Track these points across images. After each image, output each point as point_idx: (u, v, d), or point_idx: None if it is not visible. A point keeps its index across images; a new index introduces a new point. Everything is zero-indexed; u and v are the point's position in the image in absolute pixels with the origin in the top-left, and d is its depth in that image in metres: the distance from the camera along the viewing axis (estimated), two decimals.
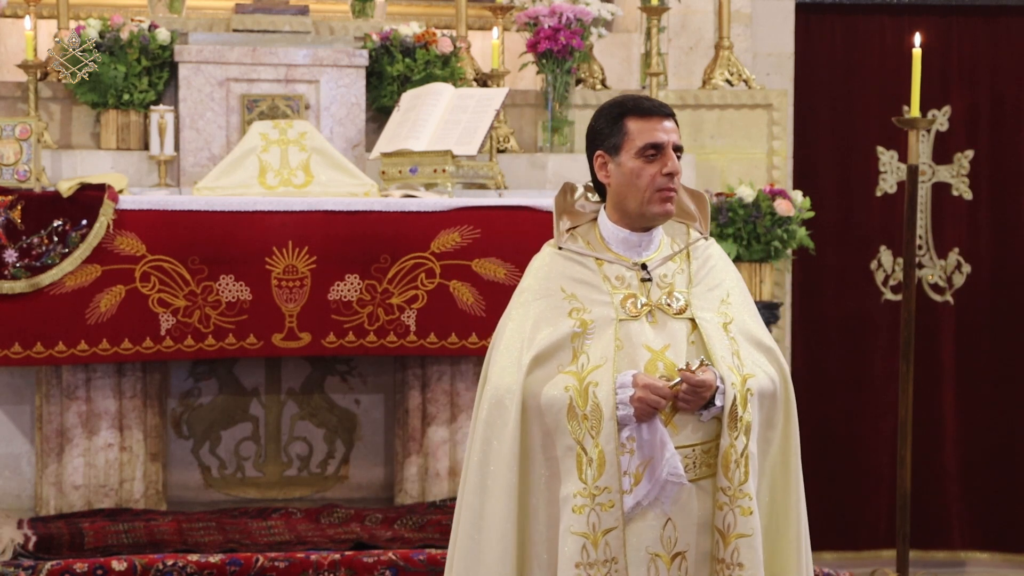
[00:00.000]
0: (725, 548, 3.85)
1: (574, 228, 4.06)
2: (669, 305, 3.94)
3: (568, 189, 4.10)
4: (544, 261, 4.04)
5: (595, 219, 4.06)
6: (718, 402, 3.85)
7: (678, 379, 3.81)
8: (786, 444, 4.00)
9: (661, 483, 3.83)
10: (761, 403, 3.91)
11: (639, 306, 3.93)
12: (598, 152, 4.01)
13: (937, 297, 8.06)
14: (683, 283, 3.98)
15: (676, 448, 3.84)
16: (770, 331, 7.37)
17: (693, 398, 3.83)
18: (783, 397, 3.98)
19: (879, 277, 8.04)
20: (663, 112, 3.95)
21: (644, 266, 3.98)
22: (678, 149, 3.95)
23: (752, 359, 3.93)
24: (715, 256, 4.07)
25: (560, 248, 4.03)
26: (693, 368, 3.81)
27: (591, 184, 4.09)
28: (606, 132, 4.00)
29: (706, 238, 4.09)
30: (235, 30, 6.93)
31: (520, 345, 3.92)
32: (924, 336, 7.82)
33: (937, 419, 8.02)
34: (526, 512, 3.89)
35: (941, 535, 8.03)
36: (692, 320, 3.93)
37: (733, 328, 3.95)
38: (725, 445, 3.84)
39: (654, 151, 3.92)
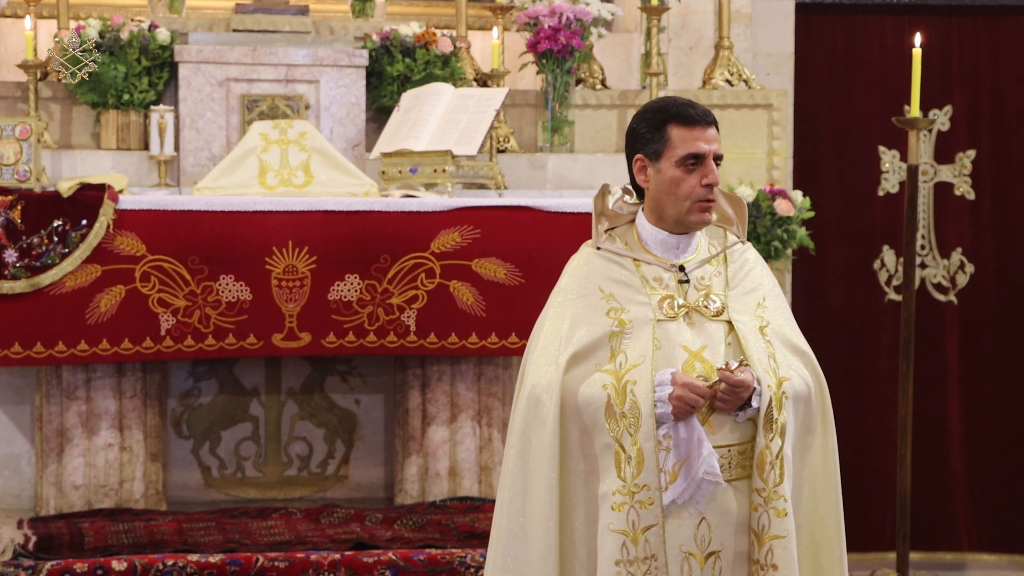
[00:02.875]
0: (760, 549, 3.88)
1: (612, 229, 4.07)
2: (706, 307, 3.97)
3: (606, 190, 4.11)
4: (582, 261, 4.07)
5: (633, 220, 4.07)
6: (754, 403, 3.87)
7: (717, 378, 3.84)
8: (825, 450, 4.05)
9: (697, 481, 3.86)
10: (796, 406, 3.94)
11: (676, 307, 3.95)
12: (638, 156, 4.00)
13: (940, 297, 8.06)
14: (720, 286, 4.01)
15: (712, 448, 3.87)
16: None
17: (731, 398, 3.85)
18: (819, 402, 4.02)
19: (882, 277, 8.03)
20: (706, 121, 3.95)
21: (682, 268, 4.00)
22: (718, 158, 3.96)
23: (787, 362, 3.96)
24: (752, 260, 4.11)
25: (598, 248, 4.05)
26: (733, 368, 3.83)
27: (629, 186, 4.09)
28: (647, 137, 3.98)
29: (743, 242, 4.11)
30: (235, 30, 6.93)
31: (558, 344, 3.95)
32: (928, 336, 7.81)
33: (942, 420, 8.01)
34: (565, 509, 3.91)
35: (947, 536, 8.02)
36: (729, 322, 3.96)
37: (769, 331, 3.99)
38: (760, 446, 3.87)
39: (695, 161, 3.93)
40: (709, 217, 3.98)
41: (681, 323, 3.94)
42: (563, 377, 3.90)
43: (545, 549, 3.88)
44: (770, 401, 3.86)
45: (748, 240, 4.19)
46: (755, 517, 3.89)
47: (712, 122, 3.96)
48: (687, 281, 3.99)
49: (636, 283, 3.98)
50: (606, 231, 4.06)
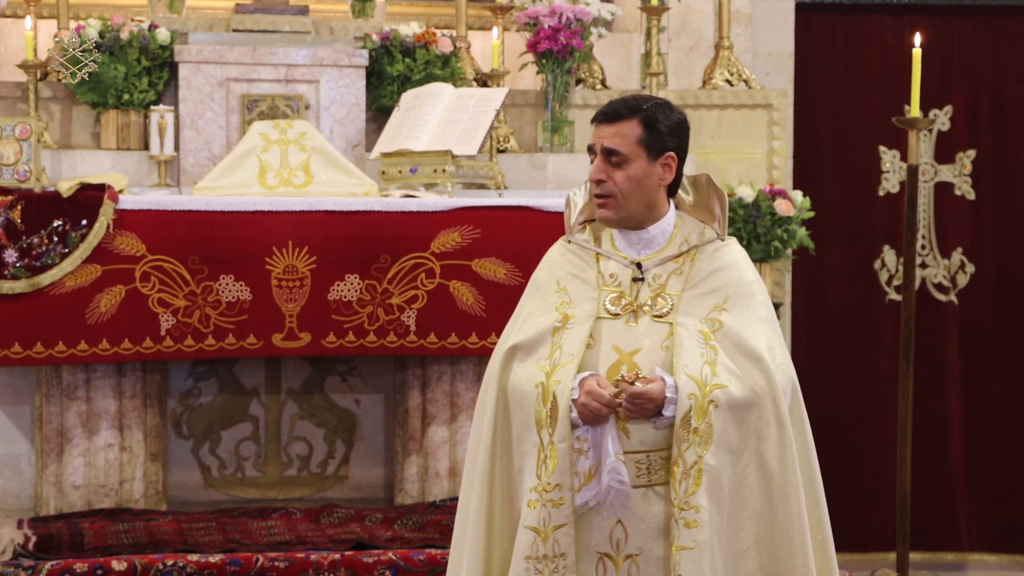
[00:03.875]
0: (671, 557, 3.82)
1: (591, 221, 4.05)
2: (652, 307, 3.91)
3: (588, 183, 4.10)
4: (551, 254, 4.09)
5: None
6: (667, 412, 3.80)
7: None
8: (783, 457, 3.89)
9: (605, 489, 3.83)
10: (735, 415, 3.83)
11: (622, 305, 3.92)
12: None
13: (941, 297, 8.06)
14: (677, 285, 3.94)
15: (628, 452, 3.84)
16: None
17: (634, 409, 3.80)
18: (773, 409, 3.87)
19: (883, 277, 8.03)
20: (605, 117, 3.93)
21: (639, 265, 3.96)
22: (610, 153, 3.91)
23: (730, 370, 3.85)
24: (724, 258, 3.99)
25: (569, 241, 4.05)
26: (630, 379, 3.77)
27: None
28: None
29: (722, 239, 4.01)
30: (235, 30, 6.94)
31: (507, 335, 4.00)
32: (928, 336, 7.81)
33: (943, 420, 8.01)
34: (510, 501, 3.96)
35: (948, 536, 8.02)
36: (672, 325, 3.89)
37: (720, 335, 3.88)
38: (674, 455, 3.80)
39: (593, 155, 3.95)
40: (604, 214, 3.94)
41: (623, 322, 3.90)
42: (501, 369, 3.95)
43: (475, 532, 3.95)
44: (689, 409, 3.78)
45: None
46: (670, 525, 3.83)
47: (614, 118, 3.92)
48: (641, 279, 3.95)
49: (591, 278, 3.97)
50: (582, 223, 4.05)
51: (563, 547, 3.83)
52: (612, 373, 3.85)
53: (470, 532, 3.99)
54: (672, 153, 3.95)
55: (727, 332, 3.89)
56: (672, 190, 4.01)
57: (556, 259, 4.05)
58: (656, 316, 3.90)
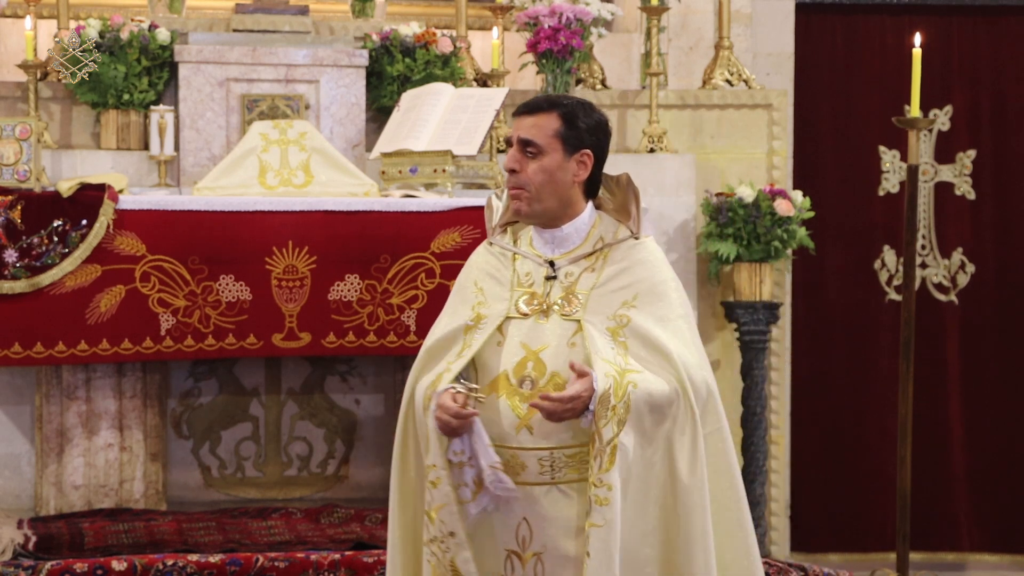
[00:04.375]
0: (587, 531, 3.80)
1: (513, 223, 4.06)
2: (561, 305, 3.91)
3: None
4: (473, 256, 4.12)
5: None
6: (592, 406, 3.79)
7: (472, 402, 3.81)
8: (695, 448, 3.86)
9: (494, 496, 3.84)
10: (650, 400, 3.81)
11: (534, 304, 3.92)
12: None
13: (941, 297, 8.05)
14: (588, 284, 3.94)
15: (531, 449, 3.84)
16: (769, 331, 7.37)
17: (565, 413, 3.78)
18: (686, 404, 3.85)
19: (883, 277, 8.03)
20: (526, 109, 3.95)
21: (552, 263, 3.97)
22: (526, 144, 3.91)
23: (640, 364, 3.84)
24: (636, 256, 3.98)
25: (491, 244, 4.08)
26: (460, 390, 3.80)
27: None
28: None
29: (636, 237, 3.99)
30: (235, 30, 6.94)
31: (430, 335, 4.04)
32: (929, 336, 7.81)
33: (943, 420, 8.00)
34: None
35: (948, 537, 8.02)
36: (579, 322, 3.89)
37: (627, 331, 3.88)
38: (593, 431, 3.79)
39: (509, 147, 3.96)
40: (518, 206, 3.93)
41: (533, 321, 3.91)
42: (416, 370, 3.98)
43: (401, 532, 4.07)
44: (608, 388, 3.76)
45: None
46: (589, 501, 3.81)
47: (534, 110, 3.93)
48: (555, 277, 3.95)
49: (507, 278, 3.98)
50: (504, 225, 4.06)
51: (449, 525, 3.84)
52: (519, 369, 3.86)
53: (399, 533, 4.07)
54: (588, 151, 3.94)
55: (634, 328, 3.88)
56: (592, 191, 4.01)
57: (477, 261, 4.07)
58: (564, 314, 3.90)
